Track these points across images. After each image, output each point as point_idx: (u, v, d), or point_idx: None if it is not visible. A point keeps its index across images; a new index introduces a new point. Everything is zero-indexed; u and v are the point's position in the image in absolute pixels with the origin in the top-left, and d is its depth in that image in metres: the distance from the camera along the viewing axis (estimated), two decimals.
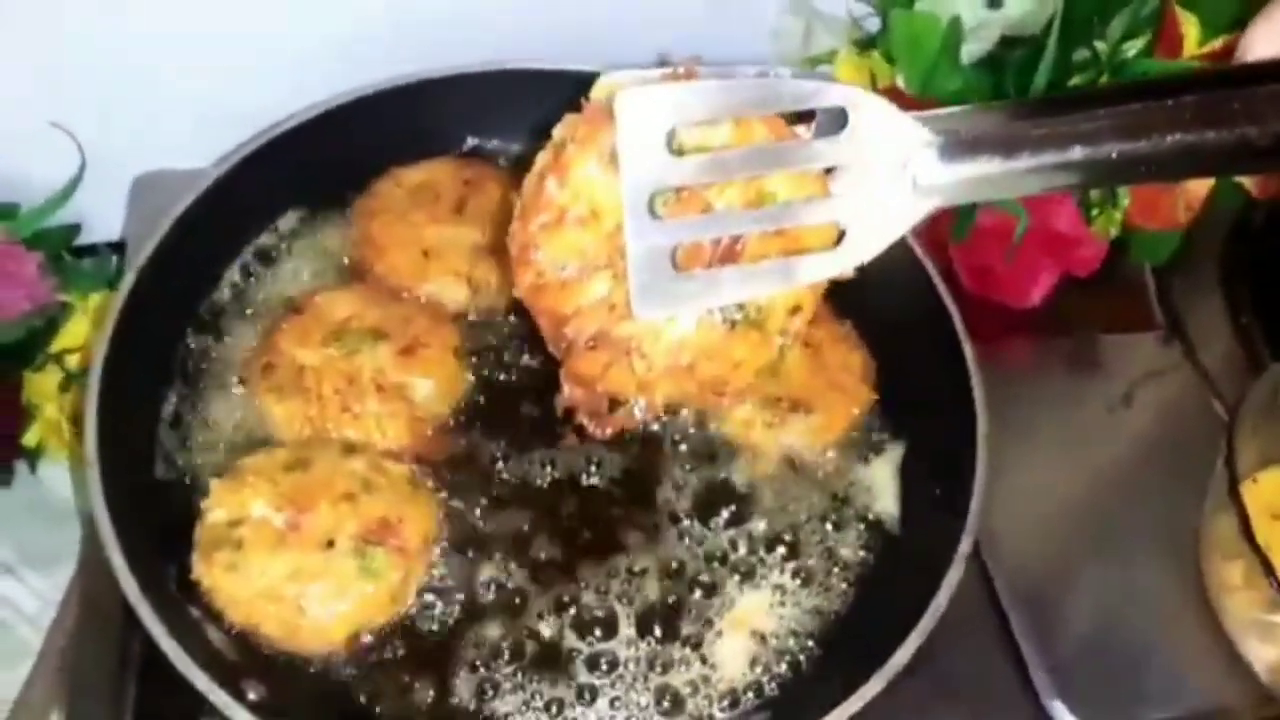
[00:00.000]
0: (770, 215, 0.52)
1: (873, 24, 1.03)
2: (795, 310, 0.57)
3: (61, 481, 0.90)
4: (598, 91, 0.54)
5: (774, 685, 0.73)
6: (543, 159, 0.54)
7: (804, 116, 0.53)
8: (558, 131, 0.54)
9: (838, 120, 0.51)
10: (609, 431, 0.60)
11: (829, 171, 0.53)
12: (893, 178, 0.52)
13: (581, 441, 0.68)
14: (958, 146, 0.52)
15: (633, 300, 0.52)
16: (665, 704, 0.71)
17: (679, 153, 0.50)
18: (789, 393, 0.82)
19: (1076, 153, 0.51)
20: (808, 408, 0.81)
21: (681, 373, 0.57)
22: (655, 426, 0.81)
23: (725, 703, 0.72)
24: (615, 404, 0.59)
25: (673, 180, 0.50)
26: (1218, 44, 0.92)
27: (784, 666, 0.73)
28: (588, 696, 0.71)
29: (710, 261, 0.52)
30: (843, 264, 0.54)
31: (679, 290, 0.52)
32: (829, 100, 0.50)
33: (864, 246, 0.53)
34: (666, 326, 0.56)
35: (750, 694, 0.72)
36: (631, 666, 0.72)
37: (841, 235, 0.53)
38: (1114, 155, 0.51)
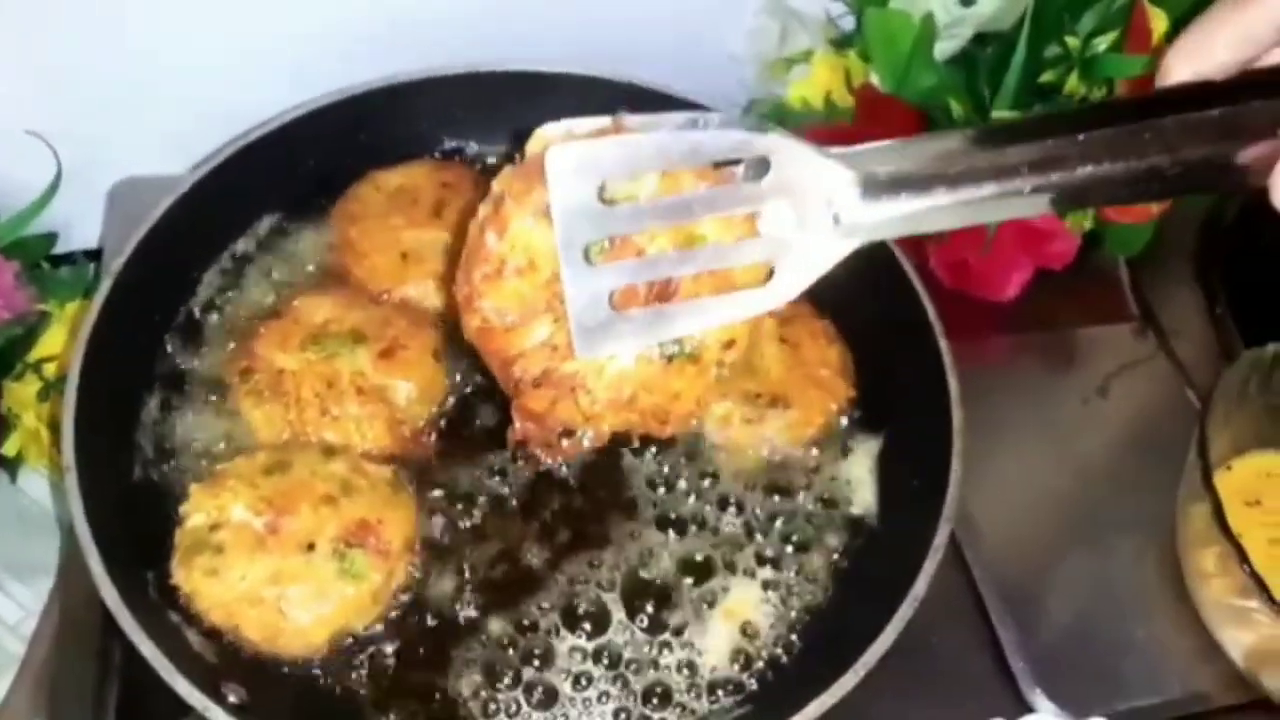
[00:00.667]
0: (700, 257, 0.54)
1: (848, 23, 1.04)
2: (729, 344, 0.60)
3: (42, 491, 0.90)
4: (533, 144, 0.55)
5: (754, 678, 0.73)
6: (483, 211, 0.56)
7: None
8: (496, 185, 0.56)
9: (765, 164, 0.52)
10: (559, 459, 0.62)
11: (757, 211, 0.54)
12: (816, 218, 0.53)
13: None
14: (877, 186, 0.53)
15: (574, 342, 0.54)
16: (653, 699, 0.71)
17: (609, 201, 0.51)
18: (767, 388, 0.82)
19: (992, 189, 0.53)
20: (786, 403, 0.82)
21: (624, 405, 0.60)
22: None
23: (710, 695, 0.72)
24: (566, 433, 0.62)
25: (604, 231, 0.52)
26: None
27: (764, 658, 0.74)
28: (583, 682, 0.72)
29: (646, 300, 0.55)
30: (772, 300, 0.55)
31: (617, 331, 0.54)
32: (751, 151, 0.52)
33: (792, 283, 0.55)
34: (608, 363, 0.58)
35: (731, 686, 0.73)
36: (614, 663, 0.72)
37: (771, 272, 0.55)
38: (1028, 190, 0.52)
